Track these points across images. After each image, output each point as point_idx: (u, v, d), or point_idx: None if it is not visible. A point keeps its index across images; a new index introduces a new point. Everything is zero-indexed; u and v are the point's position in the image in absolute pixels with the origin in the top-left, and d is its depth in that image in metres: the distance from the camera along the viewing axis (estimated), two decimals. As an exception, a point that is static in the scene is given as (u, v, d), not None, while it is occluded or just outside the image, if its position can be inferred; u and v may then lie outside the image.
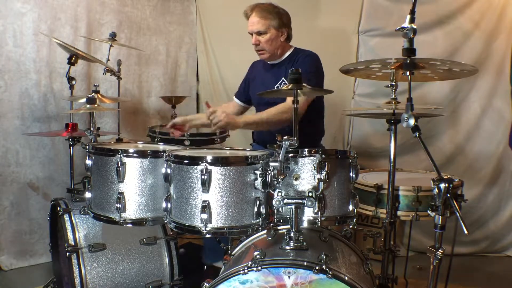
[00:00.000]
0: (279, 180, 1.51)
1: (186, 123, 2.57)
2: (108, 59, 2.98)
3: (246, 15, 2.53)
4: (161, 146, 2.03)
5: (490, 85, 3.15)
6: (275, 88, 2.48)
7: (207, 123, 2.76)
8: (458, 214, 1.35)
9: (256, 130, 2.65)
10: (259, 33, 2.47)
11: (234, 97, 2.86)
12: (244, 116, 2.49)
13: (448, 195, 1.36)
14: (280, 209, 1.56)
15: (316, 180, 1.56)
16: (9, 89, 2.89)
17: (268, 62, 2.61)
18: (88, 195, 1.86)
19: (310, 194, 1.51)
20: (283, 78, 2.49)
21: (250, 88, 2.74)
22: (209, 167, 1.49)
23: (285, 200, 1.52)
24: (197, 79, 4.05)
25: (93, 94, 2.28)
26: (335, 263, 1.49)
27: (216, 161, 1.50)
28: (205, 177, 1.48)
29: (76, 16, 3.15)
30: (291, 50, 2.58)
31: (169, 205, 1.62)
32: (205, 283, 1.48)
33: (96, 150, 1.82)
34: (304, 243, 1.54)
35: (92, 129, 2.10)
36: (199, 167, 1.50)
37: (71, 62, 2.53)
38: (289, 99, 2.28)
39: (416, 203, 1.93)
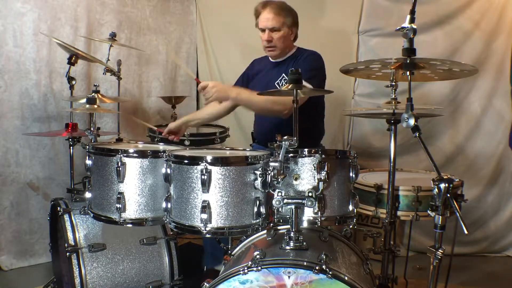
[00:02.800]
0: (279, 180, 1.51)
1: (182, 127, 2.56)
2: (108, 59, 2.99)
3: (257, 12, 2.51)
4: (161, 146, 2.03)
5: (490, 85, 3.15)
6: (275, 84, 2.49)
7: (203, 121, 2.77)
8: (458, 214, 1.35)
9: (244, 107, 2.50)
10: (273, 30, 2.45)
11: None
12: (238, 90, 2.37)
13: (448, 195, 1.36)
14: (280, 209, 1.56)
15: (316, 180, 1.56)
16: (9, 89, 2.89)
17: (272, 60, 2.62)
18: (88, 195, 1.86)
19: (310, 194, 1.51)
20: (283, 74, 2.50)
21: (250, 85, 2.73)
22: (209, 167, 1.49)
23: (285, 200, 1.52)
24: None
25: (93, 94, 2.28)
26: (335, 263, 1.49)
27: (216, 161, 1.50)
28: (205, 177, 1.48)
29: (76, 16, 3.15)
30: (294, 49, 2.59)
31: (169, 205, 1.62)
32: (205, 283, 1.48)
33: (96, 150, 1.82)
34: (304, 243, 1.53)
35: (92, 129, 2.10)
36: (199, 167, 1.50)
37: (71, 62, 2.53)
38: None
39: (416, 203, 1.93)
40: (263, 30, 2.48)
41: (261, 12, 2.49)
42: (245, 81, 2.77)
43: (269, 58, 2.62)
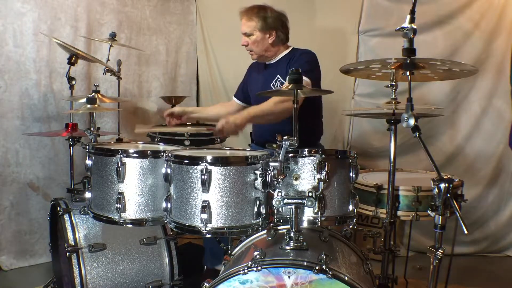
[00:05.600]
0: (279, 180, 1.51)
1: (184, 115, 2.58)
2: (108, 59, 2.99)
3: (240, 17, 2.56)
4: (161, 146, 2.03)
5: (490, 85, 3.16)
6: (271, 86, 2.50)
7: (203, 117, 2.79)
8: (458, 214, 1.35)
9: (259, 121, 2.48)
10: (246, 35, 2.52)
11: (234, 97, 2.87)
12: (244, 111, 2.34)
13: (448, 195, 1.36)
14: (280, 209, 1.56)
15: (316, 180, 1.56)
16: (9, 89, 2.89)
17: (266, 62, 2.63)
18: (88, 195, 1.86)
19: (310, 194, 1.51)
20: (278, 76, 2.50)
21: (248, 89, 2.75)
22: (209, 167, 1.49)
23: (285, 200, 1.52)
24: (197, 79, 4.06)
25: (93, 94, 2.28)
26: (335, 263, 1.49)
27: (216, 161, 1.50)
28: (205, 177, 1.48)
29: (76, 16, 3.15)
30: (288, 50, 2.58)
31: (169, 205, 1.62)
32: (205, 283, 1.48)
33: (96, 150, 1.82)
34: (304, 243, 1.53)
35: (92, 129, 2.10)
36: (199, 167, 1.50)
37: (71, 62, 2.53)
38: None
39: (416, 203, 1.93)
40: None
41: (241, 18, 2.55)
42: (245, 86, 2.79)
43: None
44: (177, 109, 2.59)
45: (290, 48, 2.59)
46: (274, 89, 2.44)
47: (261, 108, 2.29)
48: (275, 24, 2.53)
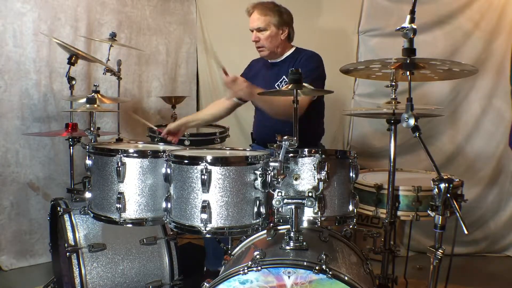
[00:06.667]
0: (279, 180, 1.50)
1: (181, 128, 2.56)
2: (108, 59, 2.99)
3: (248, 13, 2.55)
4: (161, 146, 2.03)
5: (490, 85, 3.15)
6: (276, 86, 2.49)
7: (203, 122, 2.77)
8: (458, 214, 1.35)
9: (262, 106, 2.45)
10: (259, 30, 2.49)
11: None
12: (260, 89, 2.26)
13: (448, 195, 1.36)
14: (280, 209, 1.56)
15: (316, 180, 1.56)
16: (9, 89, 2.89)
17: (269, 61, 2.62)
18: (88, 195, 1.86)
19: (310, 194, 1.51)
20: (284, 76, 2.50)
21: None
22: (209, 167, 1.49)
23: (285, 200, 1.52)
24: (197, 79, 4.06)
25: (93, 94, 2.28)
26: (335, 263, 1.49)
27: (216, 161, 1.50)
28: (205, 177, 1.48)
29: (76, 16, 3.15)
30: (293, 49, 2.58)
31: (169, 205, 1.62)
32: (205, 283, 1.48)
33: (96, 150, 1.82)
34: (304, 243, 1.53)
35: (92, 129, 2.10)
36: (199, 167, 1.49)
37: (71, 62, 2.53)
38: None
39: (416, 203, 1.93)
40: (252, 31, 2.53)
41: (250, 13, 2.53)
42: None
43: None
44: (172, 126, 2.55)
45: (294, 48, 2.59)
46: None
47: (274, 98, 2.22)
48: (289, 20, 2.55)
